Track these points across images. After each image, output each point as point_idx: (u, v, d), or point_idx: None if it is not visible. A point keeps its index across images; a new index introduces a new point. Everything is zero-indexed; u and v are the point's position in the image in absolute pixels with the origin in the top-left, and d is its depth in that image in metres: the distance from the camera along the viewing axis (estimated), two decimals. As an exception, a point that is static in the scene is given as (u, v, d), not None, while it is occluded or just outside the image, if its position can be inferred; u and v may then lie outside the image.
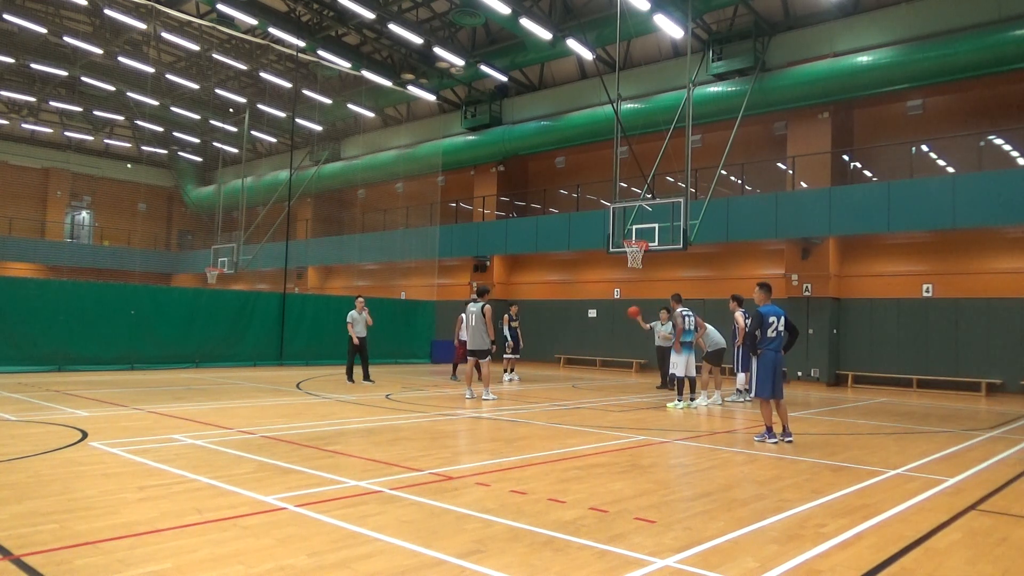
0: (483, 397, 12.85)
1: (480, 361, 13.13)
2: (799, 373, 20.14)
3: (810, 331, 19.90)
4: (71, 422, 8.84)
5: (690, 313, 12.68)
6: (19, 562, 3.87)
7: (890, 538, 4.86)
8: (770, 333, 8.83)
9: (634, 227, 17.64)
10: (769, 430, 8.94)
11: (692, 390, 13.04)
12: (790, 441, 8.83)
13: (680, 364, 12.47)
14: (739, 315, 14.18)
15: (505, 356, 17.95)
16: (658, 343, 15.36)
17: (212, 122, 34.80)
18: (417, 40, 23.61)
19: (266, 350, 20.39)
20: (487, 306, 12.94)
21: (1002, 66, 17.24)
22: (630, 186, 22.64)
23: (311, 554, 4.15)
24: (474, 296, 13.36)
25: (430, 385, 15.89)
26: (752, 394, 9.15)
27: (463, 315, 15.57)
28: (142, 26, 24.76)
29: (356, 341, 15.36)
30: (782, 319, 8.96)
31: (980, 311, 18.25)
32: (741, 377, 14.31)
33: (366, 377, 15.56)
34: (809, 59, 20.13)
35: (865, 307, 19.95)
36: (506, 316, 17.69)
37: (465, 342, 14.42)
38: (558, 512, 5.22)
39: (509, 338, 17.67)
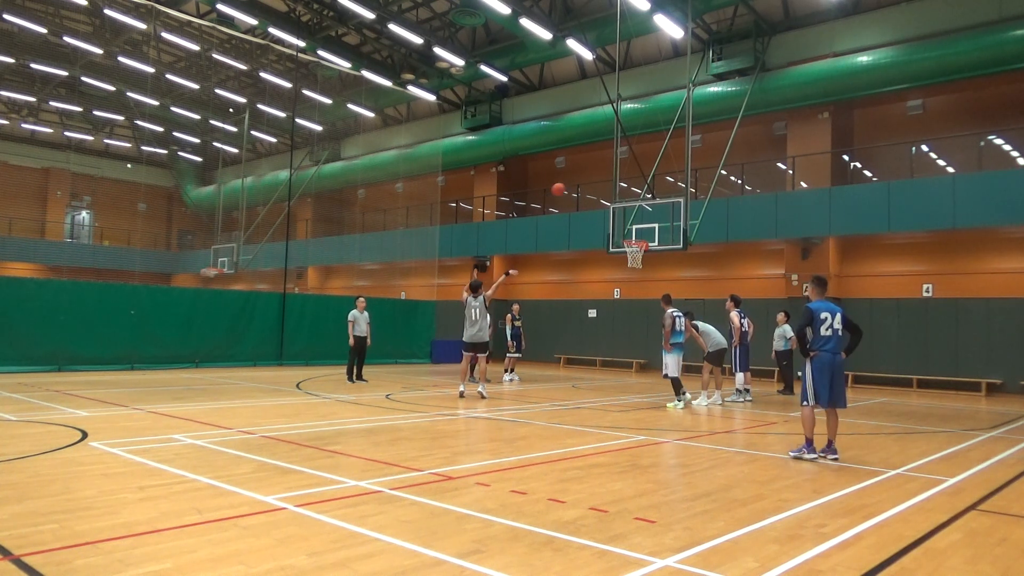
0: (478, 389, 13.15)
1: (479, 356, 13.28)
2: (799, 373, 20.07)
3: (810, 331, 19.89)
4: (71, 422, 8.83)
5: (680, 314, 12.66)
6: (19, 562, 3.87)
7: (890, 538, 4.86)
8: (823, 331, 7.77)
9: (634, 227, 17.65)
10: (809, 443, 7.87)
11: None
12: (836, 459, 7.70)
13: (671, 364, 12.50)
14: (735, 315, 14.22)
15: (508, 355, 17.95)
16: (776, 347, 15.37)
17: (212, 122, 34.80)
18: (417, 40, 23.62)
19: (266, 350, 20.37)
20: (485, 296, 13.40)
21: (1002, 66, 17.25)
22: (630, 186, 22.63)
23: (311, 554, 4.15)
24: (470, 292, 13.44)
25: (430, 385, 15.89)
26: (808, 402, 7.87)
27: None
28: (142, 26, 24.75)
29: (352, 341, 15.64)
30: (838, 316, 7.85)
31: (980, 311, 18.25)
32: (740, 377, 14.33)
33: (359, 376, 15.82)
34: (809, 59, 20.13)
35: (865, 307, 19.93)
36: (508, 316, 17.69)
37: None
38: (558, 512, 5.22)
39: (510, 338, 17.67)
